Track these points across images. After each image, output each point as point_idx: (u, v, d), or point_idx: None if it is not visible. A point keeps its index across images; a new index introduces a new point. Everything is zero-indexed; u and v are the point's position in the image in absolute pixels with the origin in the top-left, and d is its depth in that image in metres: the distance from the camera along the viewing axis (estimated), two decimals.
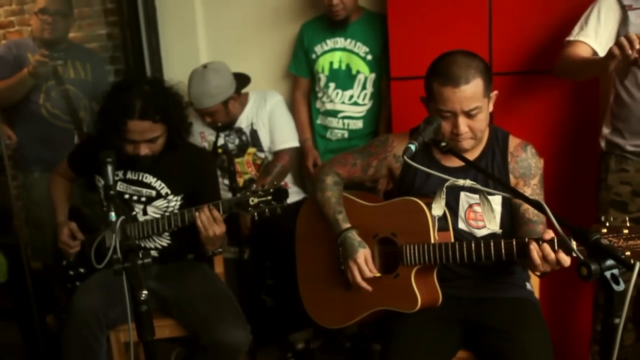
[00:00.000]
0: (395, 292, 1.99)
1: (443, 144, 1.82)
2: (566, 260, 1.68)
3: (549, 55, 2.59)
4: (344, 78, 3.08)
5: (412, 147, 1.76)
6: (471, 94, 1.85)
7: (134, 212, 2.43)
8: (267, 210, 2.19)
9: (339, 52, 3.07)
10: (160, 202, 2.44)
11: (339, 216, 2.09)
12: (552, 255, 1.69)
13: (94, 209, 2.58)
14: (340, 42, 3.06)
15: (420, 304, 1.94)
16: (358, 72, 3.04)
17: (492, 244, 1.82)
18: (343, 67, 3.07)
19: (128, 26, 3.39)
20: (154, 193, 2.43)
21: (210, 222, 2.22)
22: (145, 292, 1.50)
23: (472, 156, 2.00)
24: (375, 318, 2.12)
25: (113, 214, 1.82)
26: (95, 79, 3.17)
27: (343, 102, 3.09)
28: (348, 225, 2.06)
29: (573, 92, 2.59)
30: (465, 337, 2.02)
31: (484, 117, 1.91)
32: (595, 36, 2.24)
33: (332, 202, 2.12)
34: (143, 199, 2.44)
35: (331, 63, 3.09)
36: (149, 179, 2.43)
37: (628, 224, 1.57)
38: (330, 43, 3.08)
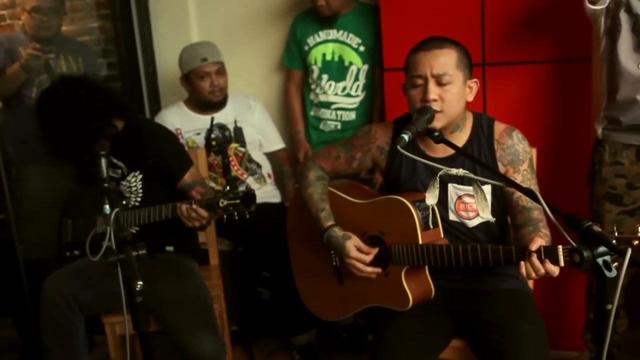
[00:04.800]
0: (388, 290, 1.98)
1: (436, 133, 1.81)
2: (554, 271, 1.65)
3: (541, 45, 2.60)
4: (336, 70, 3.07)
5: (406, 136, 1.75)
6: (442, 60, 1.85)
7: (124, 202, 2.43)
8: (235, 213, 2.15)
9: (332, 44, 3.07)
10: (122, 186, 2.44)
11: (321, 214, 2.05)
12: (541, 271, 1.65)
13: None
14: (332, 33, 3.06)
15: (412, 303, 1.92)
16: (351, 63, 3.04)
17: (479, 250, 1.80)
18: (336, 58, 3.07)
19: (120, 19, 3.37)
20: (119, 172, 2.44)
21: (191, 218, 2.21)
22: (141, 282, 1.50)
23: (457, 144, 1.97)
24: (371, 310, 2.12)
25: (107, 206, 1.81)
26: (87, 73, 3.15)
27: (336, 94, 3.09)
28: (330, 222, 2.03)
29: (566, 82, 2.60)
30: (458, 328, 2.02)
31: (455, 92, 1.87)
32: None
33: (314, 199, 2.08)
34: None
35: (324, 55, 3.09)
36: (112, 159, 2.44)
37: (639, 234, 1.54)
38: (322, 35, 3.08)
